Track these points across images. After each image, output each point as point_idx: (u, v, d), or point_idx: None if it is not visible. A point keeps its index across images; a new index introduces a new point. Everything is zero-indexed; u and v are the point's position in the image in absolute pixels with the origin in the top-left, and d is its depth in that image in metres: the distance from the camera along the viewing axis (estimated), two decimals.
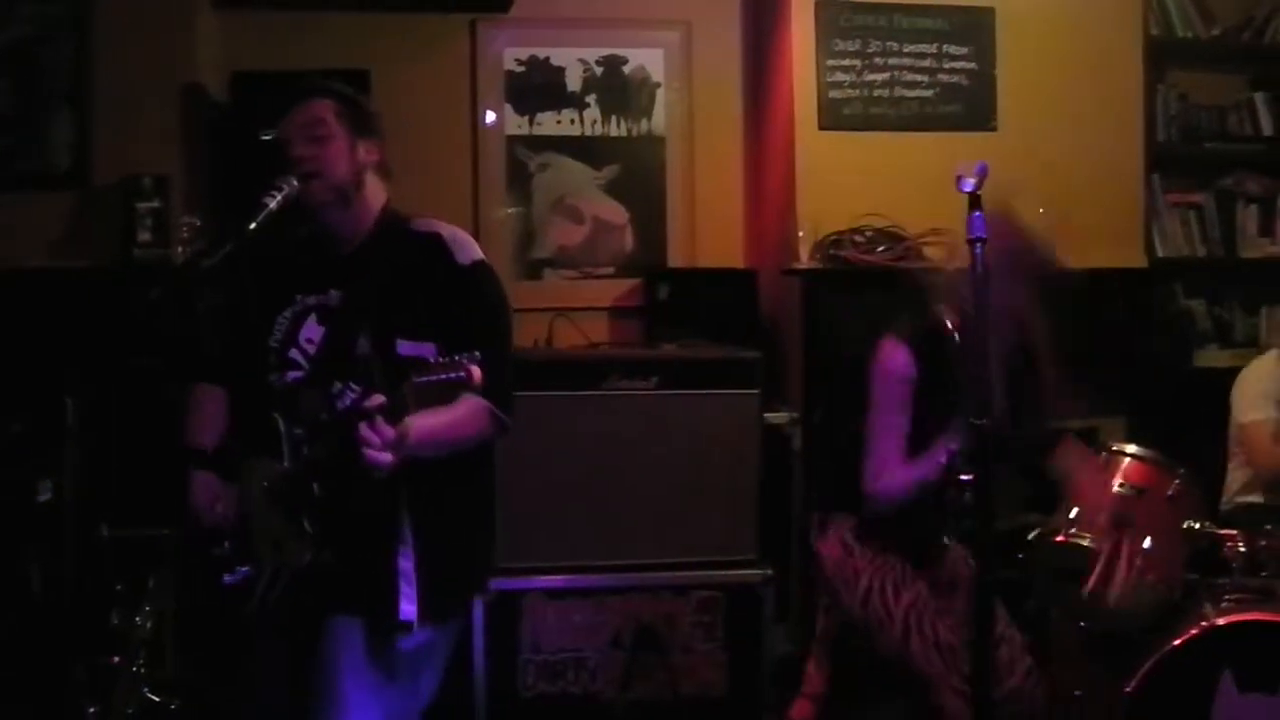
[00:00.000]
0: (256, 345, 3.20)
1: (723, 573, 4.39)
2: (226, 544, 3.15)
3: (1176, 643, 3.59)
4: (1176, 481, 3.83)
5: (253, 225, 3.03)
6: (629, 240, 5.55)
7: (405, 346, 3.00)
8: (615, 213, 5.53)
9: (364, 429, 2.77)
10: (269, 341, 3.18)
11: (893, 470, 3.52)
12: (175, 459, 3.25)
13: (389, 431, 2.77)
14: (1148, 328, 5.08)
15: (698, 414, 4.39)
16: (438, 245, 3.14)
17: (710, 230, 5.53)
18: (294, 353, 3.16)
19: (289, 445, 3.06)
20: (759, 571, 4.46)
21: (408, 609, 3.03)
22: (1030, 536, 3.91)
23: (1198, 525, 3.79)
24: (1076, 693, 3.99)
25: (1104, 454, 3.95)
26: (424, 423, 2.86)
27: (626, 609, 4.45)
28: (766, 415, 4.61)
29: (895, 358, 3.54)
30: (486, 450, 3.21)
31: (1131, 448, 3.93)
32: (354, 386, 3.02)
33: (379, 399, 2.77)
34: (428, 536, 3.10)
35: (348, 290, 3.13)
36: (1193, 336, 5.45)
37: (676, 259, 5.52)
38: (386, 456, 2.79)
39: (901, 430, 3.51)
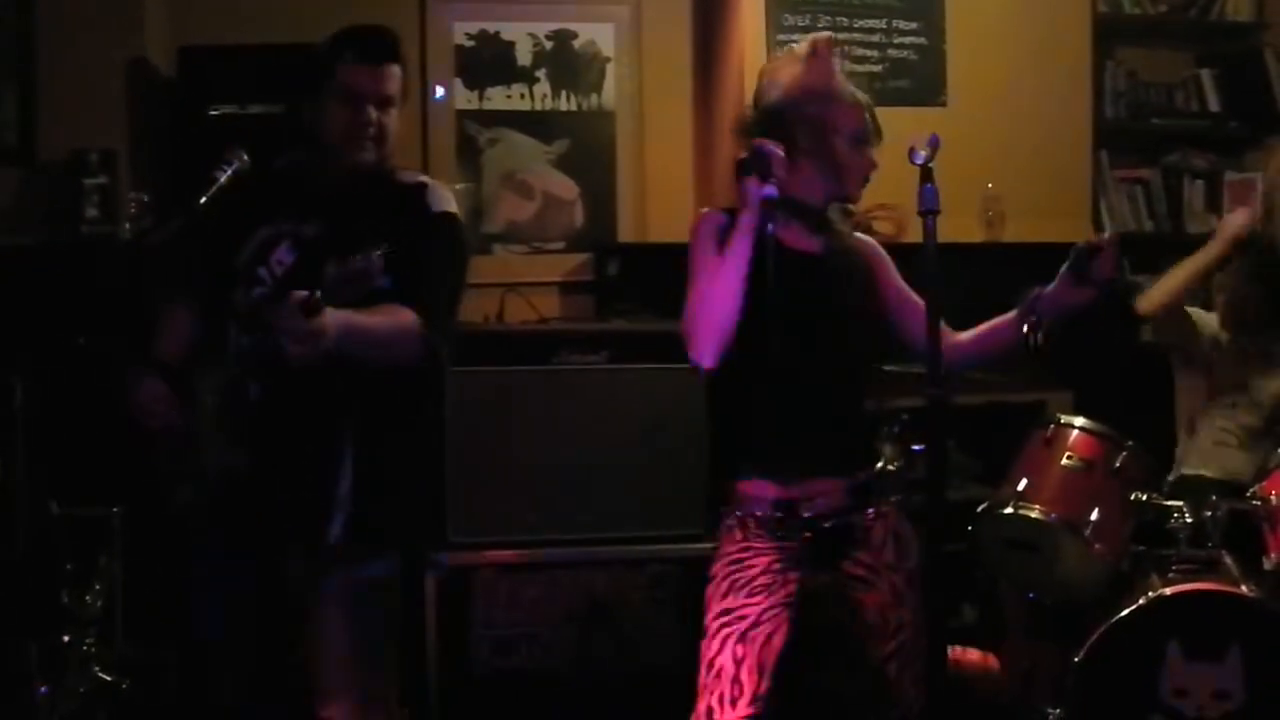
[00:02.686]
0: (224, 265, 3.24)
1: (675, 546, 4.38)
2: (172, 455, 3.22)
3: (1124, 613, 3.62)
4: (1124, 454, 3.86)
5: (203, 200, 3.06)
6: (579, 215, 5.54)
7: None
8: (565, 188, 5.52)
9: (283, 319, 2.82)
10: (237, 259, 3.23)
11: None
12: (125, 436, 3.26)
13: (303, 323, 2.81)
14: (1094, 302, 5.09)
15: (648, 388, 4.38)
16: (418, 193, 3.26)
17: (661, 205, 5.52)
18: (262, 271, 3.21)
19: (235, 354, 3.18)
20: (710, 545, 4.29)
21: (336, 532, 3.15)
22: (979, 509, 3.92)
23: (1145, 497, 3.82)
24: (1025, 665, 4.10)
25: (1051, 427, 3.96)
26: (342, 315, 2.91)
27: (579, 583, 4.42)
28: None
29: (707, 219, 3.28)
30: (434, 401, 3.37)
31: (1079, 420, 3.95)
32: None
33: (299, 293, 2.80)
34: (367, 465, 3.20)
35: (326, 223, 3.19)
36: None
37: (627, 234, 5.53)
38: (303, 347, 2.84)
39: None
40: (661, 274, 4.56)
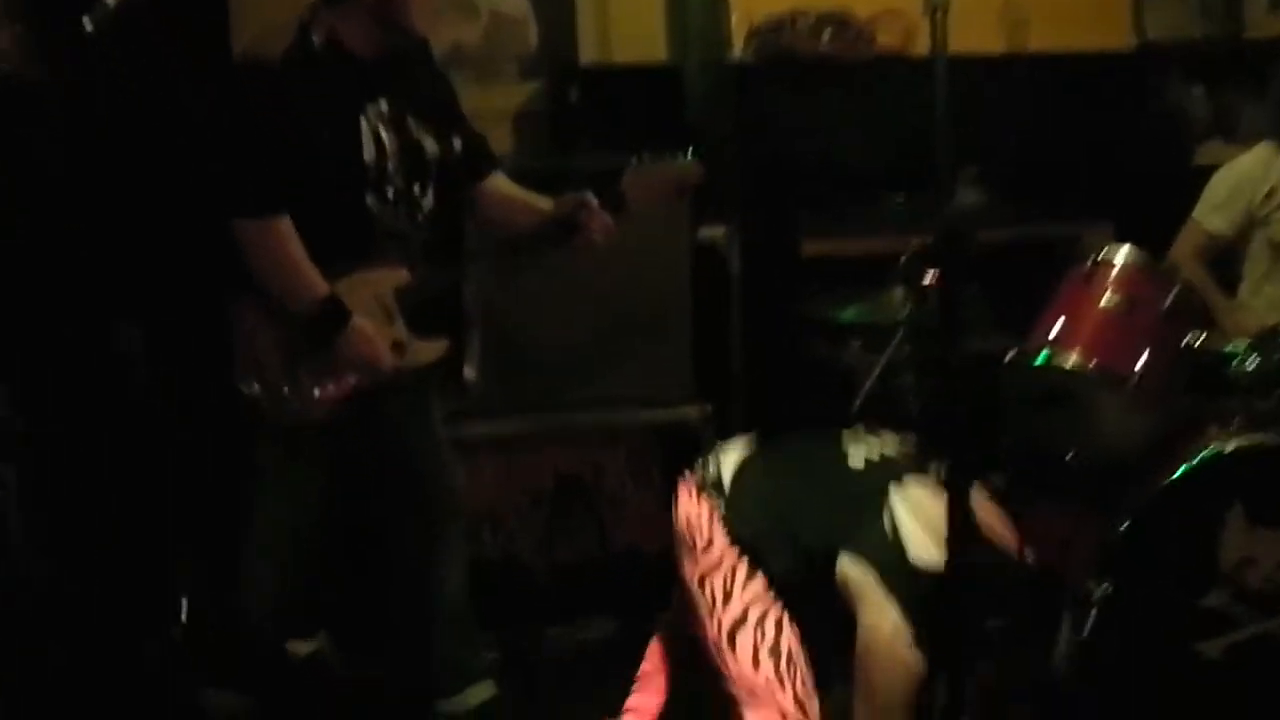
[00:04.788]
0: (338, 162, 3.52)
1: (654, 412, 4.31)
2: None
3: (1177, 474, 3.53)
4: (1175, 291, 3.70)
5: None
6: (532, 35, 5.34)
7: (456, 142, 3.70)
8: (515, 4, 5.32)
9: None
10: (361, 157, 3.52)
11: None
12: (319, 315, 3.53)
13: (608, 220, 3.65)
14: (1138, 121, 5.01)
15: (620, 235, 4.06)
16: (426, 50, 3.72)
17: (626, 21, 5.35)
18: (390, 165, 3.56)
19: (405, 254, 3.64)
20: (695, 408, 4.35)
21: None
22: (1005, 360, 3.79)
23: (1200, 340, 3.70)
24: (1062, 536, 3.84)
25: (1090, 262, 3.80)
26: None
27: (546, 460, 4.41)
28: (698, 232, 4.53)
29: None
30: None
31: (1122, 254, 3.78)
32: (427, 186, 3.65)
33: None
34: None
35: (392, 95, 3.58)
36: (1190, 130, 5.31)
37: (588, 56, 5.33)
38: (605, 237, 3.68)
39: None
40: (630, 102, 4.88)
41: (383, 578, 3.89)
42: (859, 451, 3.33)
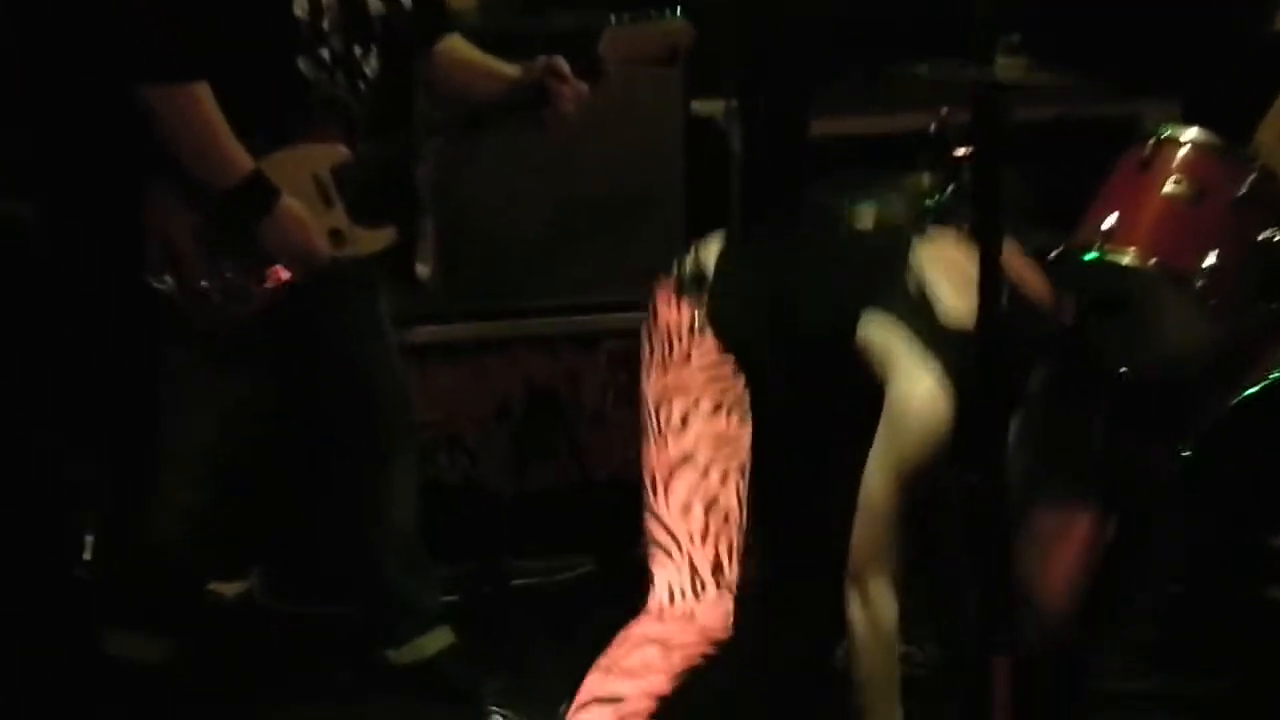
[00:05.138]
0: (264, 18, 3.32)
1: (640, 315, 3.85)
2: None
3: (1252, 390, 3.49)
4: (1252, 177, 3.53)
5: None
6: None
7: None
8: None
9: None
10: (291, 12, 3.31)
11: None
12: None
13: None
14: None
15: (600, 105, 3.91)
16: None
17: None
18: (326, 22, 3.36)
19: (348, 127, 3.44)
20: None
21: None
22: (1049, 257, 3.59)
23: (1277, 236, 3.53)
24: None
25: (1150, 143, 3.61)
26: None
27: (514, 369, 4.26)
28: (693, 104, 4.38)
29: None
30: None
31: (1190, 132, 3.62)
32: (370, 48, 3.45)
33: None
34: None
35: None
36: None
37: None
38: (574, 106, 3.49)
39: None
40: None
41: (322, 506, 3.81)
42: (867, 212, 3.35)
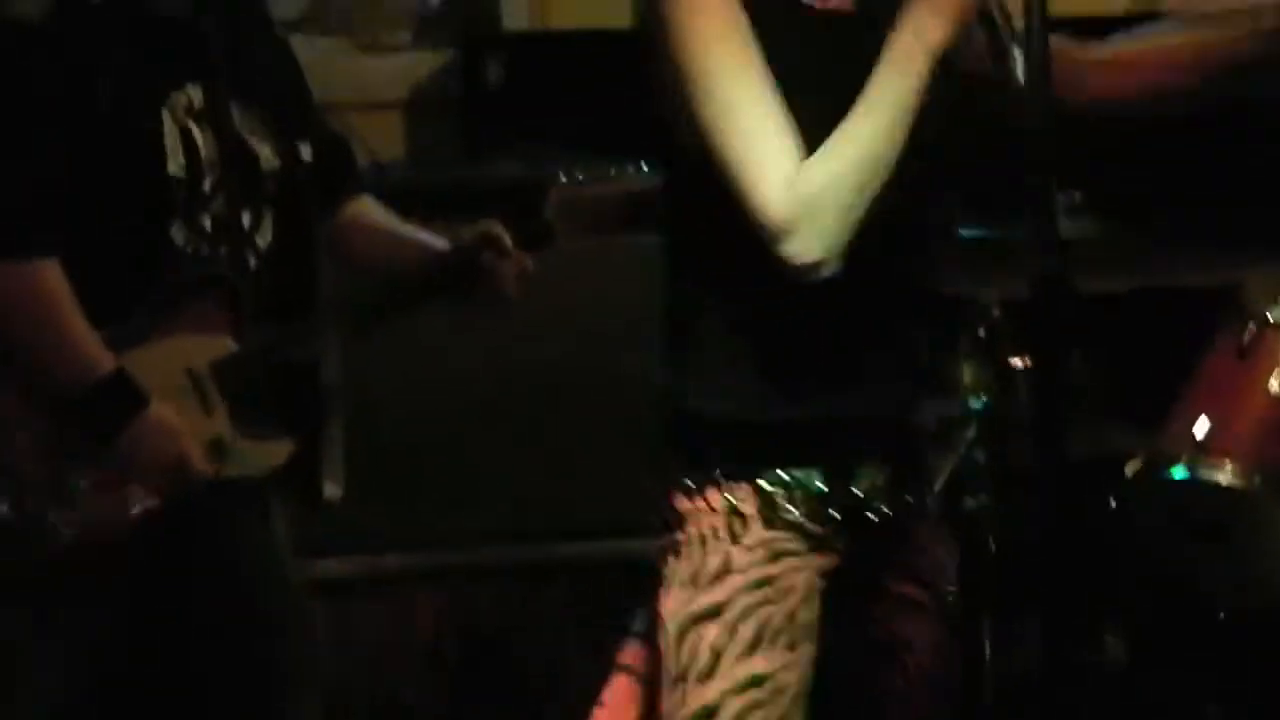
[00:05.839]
0: (129, 176, 3.03)
1: (605, 544, 3.83)
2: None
3: None
4: None
5: None
6: None
7: (304, 149, 3.19)
8: None
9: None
10: (164, 169, 3.04)
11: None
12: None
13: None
14: None
15: (563, 277, 3.63)
16: (261, 7, 3.28)
17: None
18: (207, 181, 3.09)
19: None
20: (663, 539, 3.64)
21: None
22: (1127, 470, 3.42)
23: None
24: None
25: (1253, 326, 3.38)
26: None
27: (449, 606, 3.93)
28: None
29: None
30: None
31: None
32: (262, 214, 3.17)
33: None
34: None
35: (210, 76, 3.12)
36: None
37: (516, 18, 4.75)
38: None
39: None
40: (575, 84, 4.48)
41: None
42: None
